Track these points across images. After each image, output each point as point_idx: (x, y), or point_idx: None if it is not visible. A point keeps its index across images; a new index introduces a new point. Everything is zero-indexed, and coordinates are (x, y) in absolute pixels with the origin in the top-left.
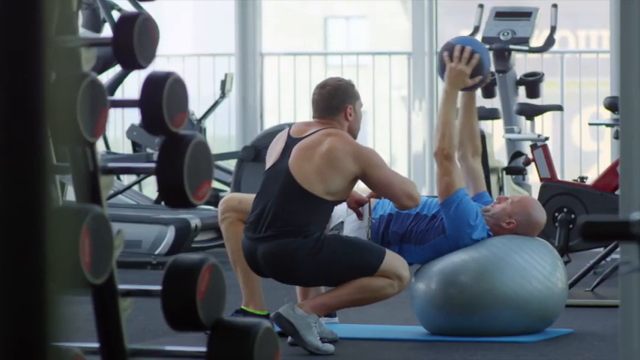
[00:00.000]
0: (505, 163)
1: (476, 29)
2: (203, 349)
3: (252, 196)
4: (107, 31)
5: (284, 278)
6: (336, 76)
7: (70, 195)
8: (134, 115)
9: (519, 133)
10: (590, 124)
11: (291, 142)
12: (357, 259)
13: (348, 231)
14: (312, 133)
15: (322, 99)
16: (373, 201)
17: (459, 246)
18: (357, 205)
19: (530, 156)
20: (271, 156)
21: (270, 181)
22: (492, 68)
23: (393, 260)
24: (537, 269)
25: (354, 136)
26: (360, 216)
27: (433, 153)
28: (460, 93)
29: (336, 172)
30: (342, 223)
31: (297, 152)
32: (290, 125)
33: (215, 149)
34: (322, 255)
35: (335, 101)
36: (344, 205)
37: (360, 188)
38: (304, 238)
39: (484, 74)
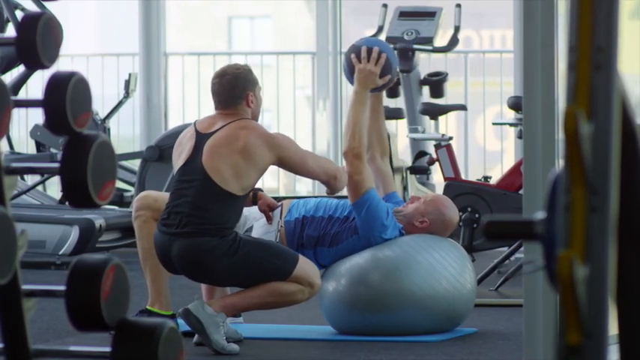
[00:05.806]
0: (409, 163)
1: (380, 29)
2: (107, 349)
3: (168, 194)
4: (10, 31)
5: (197, 276)
6: (234, 64)
7: None
8: (38, 115)
9: (423, 132)
10: (493, 123)
11: (201, 138)
12: (272, 262)
13: (257, 235)
14: (223, 126)
15: (224, 89)
16: (288, 203)
17: (372, 245)
18: (268, 208)
19: (434, 155)
20: (181, 153)
21: (186, 178)
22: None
23: (306, 267)
24: (447, 269)
25: (255, 120)
26: (269, 220)
27: (343, 153)
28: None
29: (252, 166)
30: (252, 227)
31: (211, 149)
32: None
33: (119, 149)
34: (238, 256)
35: (236, 90)
36: (254, 209)
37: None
38: (221, 238)
39: (392, 73)
